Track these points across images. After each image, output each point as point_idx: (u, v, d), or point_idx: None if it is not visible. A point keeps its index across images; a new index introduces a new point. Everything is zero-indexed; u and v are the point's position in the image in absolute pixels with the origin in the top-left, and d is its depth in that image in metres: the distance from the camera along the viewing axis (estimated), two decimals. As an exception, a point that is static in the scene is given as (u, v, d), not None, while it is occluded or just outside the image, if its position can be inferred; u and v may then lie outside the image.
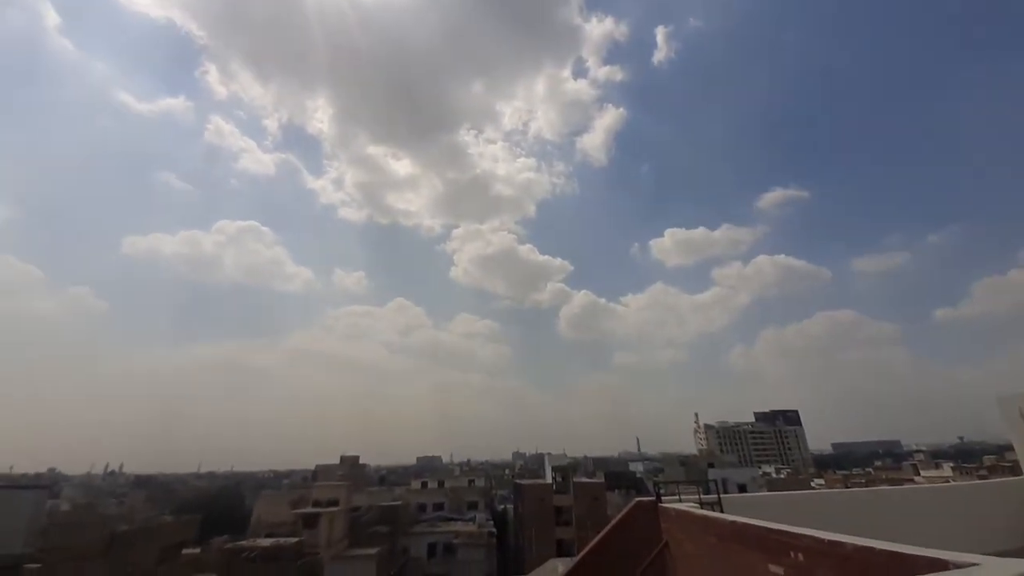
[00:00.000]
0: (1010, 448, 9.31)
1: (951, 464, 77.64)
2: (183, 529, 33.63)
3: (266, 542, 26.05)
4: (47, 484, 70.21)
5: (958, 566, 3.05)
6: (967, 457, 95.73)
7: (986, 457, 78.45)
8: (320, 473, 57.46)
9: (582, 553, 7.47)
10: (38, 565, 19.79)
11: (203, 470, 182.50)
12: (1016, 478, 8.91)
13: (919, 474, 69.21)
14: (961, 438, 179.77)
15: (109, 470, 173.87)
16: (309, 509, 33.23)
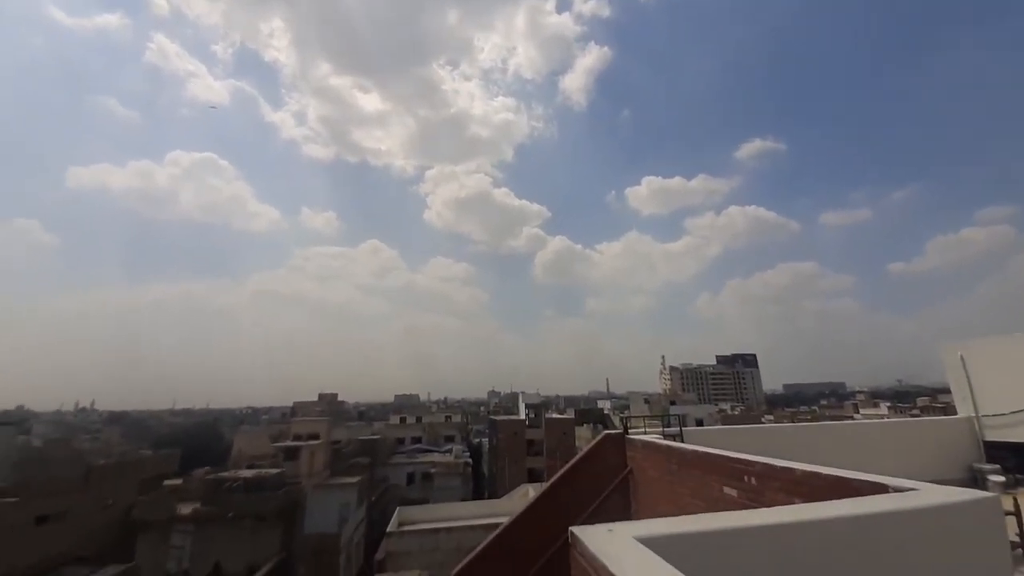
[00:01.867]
0: (943, 391, 10.10)
1: (888, 404, 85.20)
2: (163, 463, 34.18)
3: (248, 473, 26.90)
4: (16, 420, 69.37)
5: (897, 490, 3.32)
6: (903, 398, 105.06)
7: (919, 398, 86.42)
8: (299, 409, 58.56)
9: (555, 477, 7.94)
10: (14, 499, 19.87)
11: (178, 407, 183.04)
12: (950, 417, 9.80)
13: (859, 412, 75.92)
14: (899, 381, 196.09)
15: (80, 407, 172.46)
16: (290, 443, 34.18)
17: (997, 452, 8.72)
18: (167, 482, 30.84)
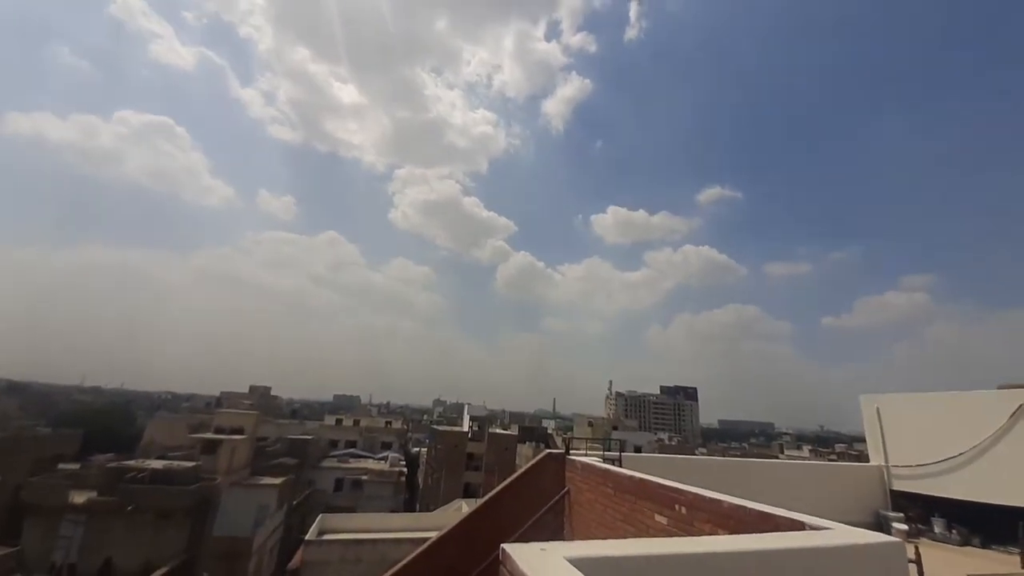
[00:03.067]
0: (859, 440, 10.85)
1: (810, 447, 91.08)
2: (62, 443, 30.86)
3: (157, 464, 24.67)
4: None
5: (814, 528, 3.48)
6: (824, 443, 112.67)
7: (838, 445, 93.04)
8: (226, 400, 54.86)
9: (492, 492, 7.77)
10: None
11: (87, 384, 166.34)
12: (863, 464, 10.52)
13: (783, 452, 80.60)
14: (822, 426, 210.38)
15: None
16: (210, 435, 31.75)
17: (902, 501, 9.41)
18: (63, 465, 27.81)
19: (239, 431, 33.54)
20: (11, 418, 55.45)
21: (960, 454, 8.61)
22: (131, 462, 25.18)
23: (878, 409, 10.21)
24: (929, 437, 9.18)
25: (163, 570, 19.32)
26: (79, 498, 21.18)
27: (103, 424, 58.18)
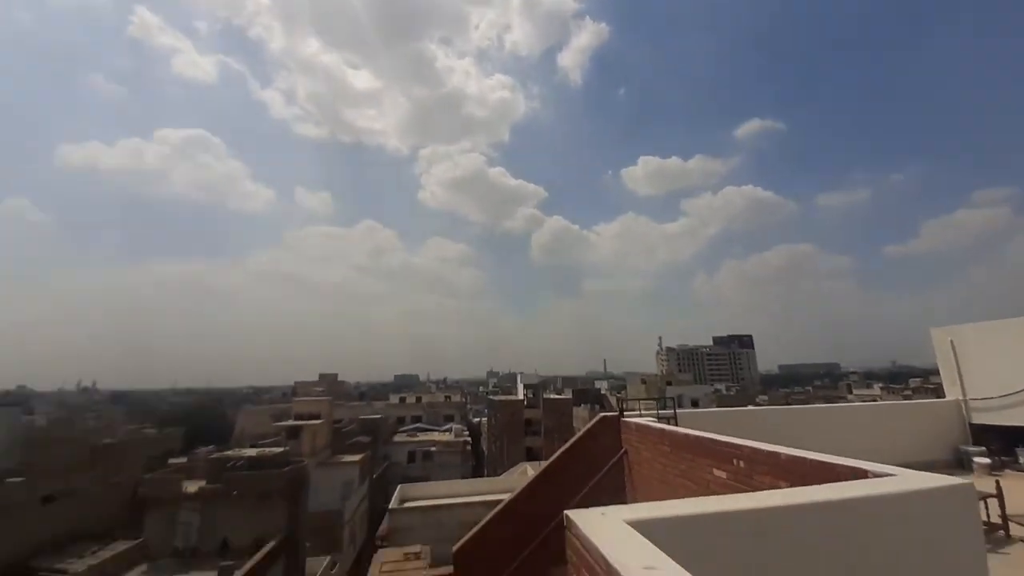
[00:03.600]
0: (935, 372, 10.33)
1: (880, 385, 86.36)
2: (167, 441, 34.78)
3: (251, 451, 27.39)
4: (18, 401, 70.04)
5: (876, 475, 3.47)
6: (896, 379, 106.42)
7: (912, 380, 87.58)
8: (300, 389, 59.19)
9: (552, 457, 8.16)
10: (19, 479, 20.24)
11: (179, 387, 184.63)
12: (938, 400, 10.02)
13: (851, 392, 77.02)
14: (893, 362, 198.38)
15: (82, 386, 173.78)
16: (292, 422, 34.70)
17: (983, 435, 8.97)
18: (172, 460, 31.43)
19: (316, 416, 36.39)
20: (118, 424, 62.88)
21: (1048, 381, 8.05)
22: (229, 452, 28.12)
23: (952, 342, 9.62)
24: (1009, 366, 8.59)
25: (271, 544, 21.81)
26: (191, 488, 24.04)
27: (199, 421, 64.84)
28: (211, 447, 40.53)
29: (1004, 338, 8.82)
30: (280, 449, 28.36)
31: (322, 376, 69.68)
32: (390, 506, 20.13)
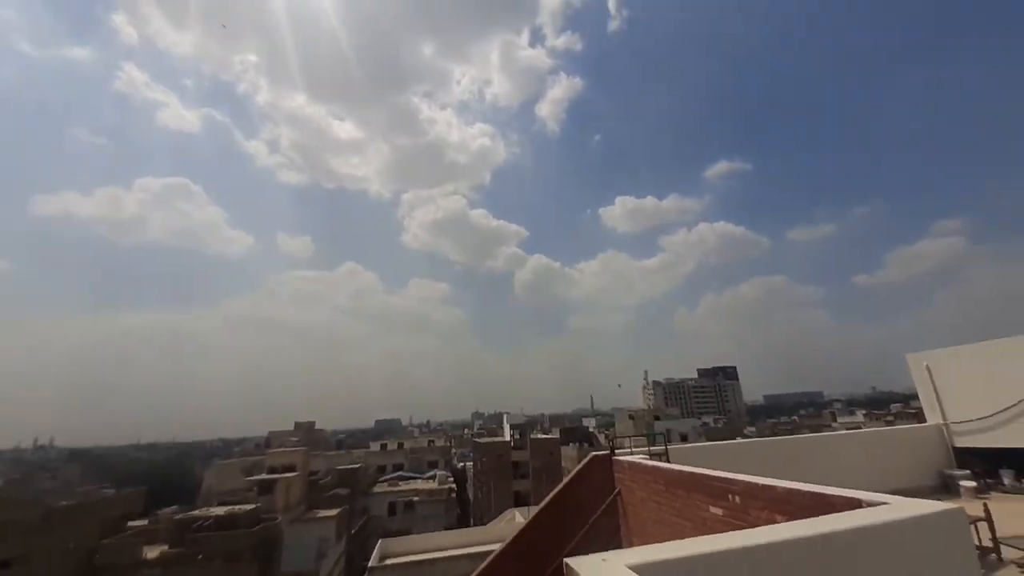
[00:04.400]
0: (915, 396, 10.55)
1: (863, 412, 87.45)
2: (128, 502, 32.25)
3: (220, 510, 25.59)
4: (-35, 462, 64.70)
5: (870, 504, 3.46)
6: (878, 405, 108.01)
7: (893, 405, 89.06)
8: (274, 440, 56.41)
9: (543, 503, 7.85)
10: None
11: (143, 441, 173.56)
12: (920, 425, 10.18)
13: (836, 420, 77.65)
14: (874, 388, 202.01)
15: (38, 444, 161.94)
16: (264, 476, 32.76)
17: (967, 457, 9.07)
18: (132, 523, 29.07)
19: (291, 468, 34.51)
20: (75, 485, 58.38)
21: (1021, 401, 8.28)
22: (195, 511, 26.23)
23: (928, 367, 9.89)
24: (985, 388, 8.85)
25: (239, 612, 20.03)
26: (151, 553, 22.16)
27: (163, 478, 60.75)
28: (175, 507, 37.78)
29: (977, 361, 9.12)
30: (251, 506, 26.59)
31: (298, 425, 66.69)
32: (370, 564, 18.89)
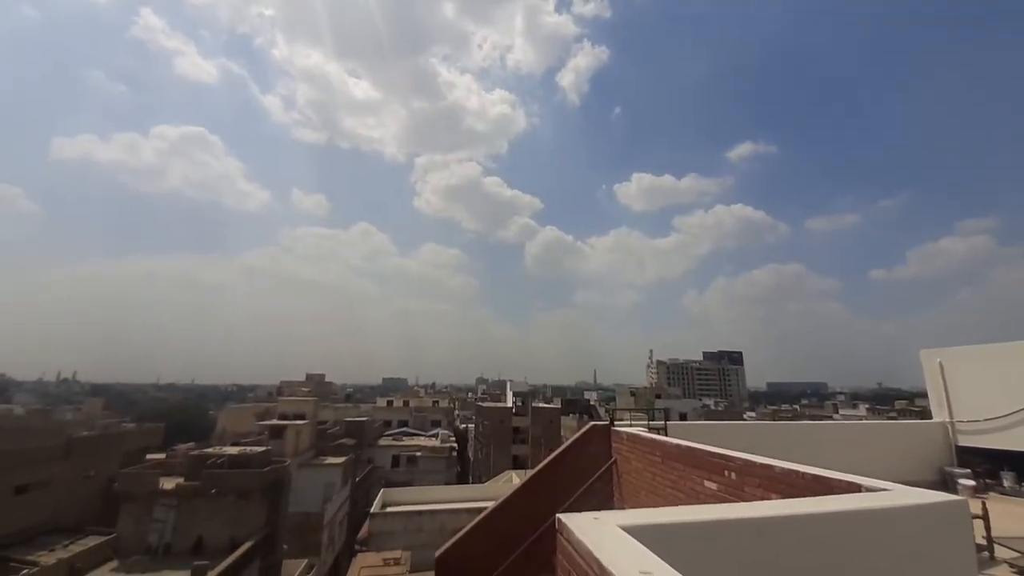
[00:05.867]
0: (920, 395, 10.37)
1: (867, 406, 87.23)
2: (146, 436, 33.99)
3: (232, 450, 26.81)
4: (-4, 388, 68.36)
5: (870, 490, 3.44)
6: (883, 400, 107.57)
7: (898, 401, 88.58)
8: (285, 388, 58.40)
9: (541, 464, 8.05)
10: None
11: (162, 382, 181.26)
12: (925, 421, 10.08)
13: (838, 412, 77.62)
14: (880, 383, 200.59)
15: (62, 378, 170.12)
16: (276, 421, 34.11)
17: (969, 457, 9.02)
18: (150, 456, 30.69)
19: (301, 416, 35.84)
20: (97, 417, 61.47)
21: (1033, 406, 8.12)
22: (209, 449, 27.50)
23: (940, 363, 9.70)
24: (995, 390, 8.67)
25: (248, 544, 21.28)
26: (168, 484, 23.45)
27: (180, 417, 63.64)
28: (191, 444, 39.71)
29: (991, 362, 8.92)
30: (262, 448, 27.80)
31: (309, 376, 68.83)
32: (372, 510, 19.82)
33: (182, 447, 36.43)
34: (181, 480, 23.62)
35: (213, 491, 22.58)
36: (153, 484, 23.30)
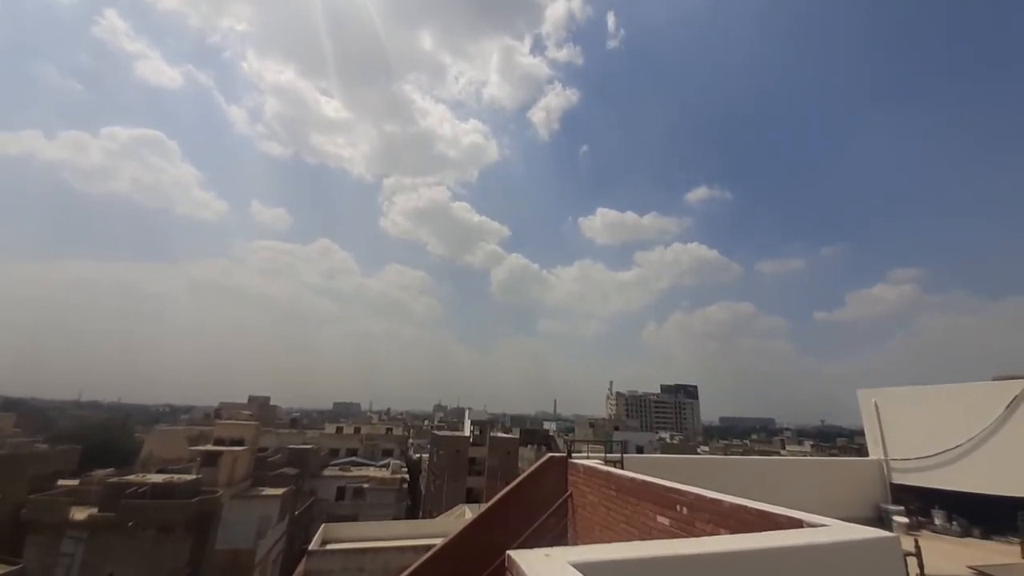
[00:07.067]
0: (861, 433, 10.95)
1: (811, 442, 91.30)
2: (60, 459, 30.55)
3: (157, 478, 24.47)
4: None
5: (811, 525, 3.53)
6: (825, 437, 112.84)
7: (839, 439, 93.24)
8: (225, 411, 54.53)
9: (495, 498, 7.78)
10: None
11: (85, 399, 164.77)
12: (862, 459, 10.59)
13: (784, 448, 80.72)
14: (823, 420, 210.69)
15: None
16: (210, 447, 31.58)
17: (902, 494, 9.47)
18: (62, 481, 27.55)
19: (239, 442, 33.40)
20: (6, 435, 54.77)
21: (958, 446, 8.69)
22: (131, 477, 24.97)
23: (876, 403, 10.28)
24: (927, 430, 9.25)
25: (166, 585, 19.21)
26: (80, 514, 21.03)
27: (101, 439, 57.72)
28: (110, 470, 35.94)
29: (923, 403, 9.54)
30: (191, 477, 25.55)
31: (251, 399, 64.77)
32: (310, 547, 18.44)
33: (99, 473, 32.87)
34: (95, 511, 21.25)
35: (130, 524, 20.42)
36: (63, 514, 20.87)
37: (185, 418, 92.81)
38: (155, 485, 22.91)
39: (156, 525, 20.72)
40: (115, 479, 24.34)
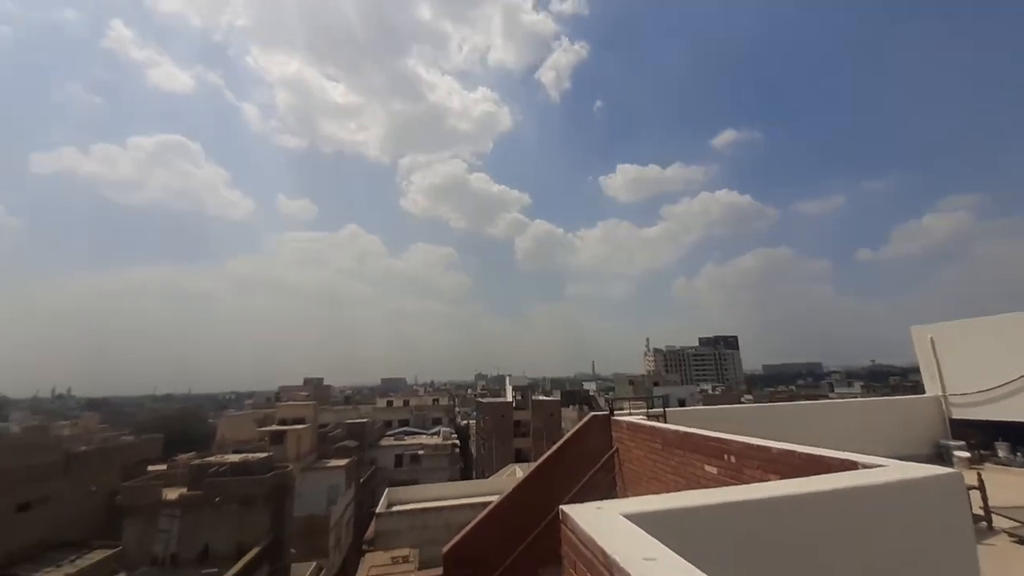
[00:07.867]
0: (914, 371, 10.52)
1: (861, 383, 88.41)
2: (146, 448, 33.80)
3: (234, 457, 26.76)
4: (-10, 407, 67.54)
5: (866, 466, 3.49)
6: (876, 377, 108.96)
7: (892, 378, 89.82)
8: (284, 394, 58.23)
9: (543, 457, 8.11)
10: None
11: (159, 393, 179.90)
12: (918, 396, 10.23)
13: (833, 391, 78.63)
14: (873, 361, 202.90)
15: (57, 393, 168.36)
16: (276, 427, 34.05)
17: (963, 429, 9.17)
18: (151, 467, 30.55)
19: (301, 421, 35.79)
20: (94, 431, 60.74)
21: (1021, 376, 8.26)
22: (211, 458, 27.43)
23: (932, 339, 9.83)
24: (987, 362, 8.81)
25: (255, 550, 21.33)
26: (171, 494, 23.40)
27: (179, 427, 63.15)
28: (192, 453, 39.48)
29: (981, 335, 9.05)
30: (264, 454, 27.75)
31: (307, 381, 68.58)
32: (377, 510, 19.86)
33: (183, 457, 36.17)
34: (184, 490, 23.58)
35: (216, 499, 22.57)
36: (156, 495, 23.25)
37: (249, 403, 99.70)
38: (233, 464, 25.08)
39: (238, 499, 22.83)
40: (198, 461, 26.78)
